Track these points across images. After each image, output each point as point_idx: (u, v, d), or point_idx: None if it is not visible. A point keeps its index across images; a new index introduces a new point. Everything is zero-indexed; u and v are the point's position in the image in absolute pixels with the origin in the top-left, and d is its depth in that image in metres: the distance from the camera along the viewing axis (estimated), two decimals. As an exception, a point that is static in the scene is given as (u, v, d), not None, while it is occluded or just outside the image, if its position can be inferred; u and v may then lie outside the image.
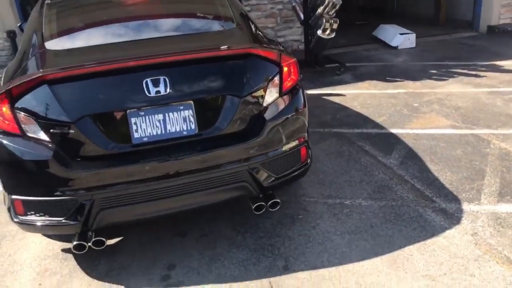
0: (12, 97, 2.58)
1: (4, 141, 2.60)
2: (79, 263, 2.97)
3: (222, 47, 2.86)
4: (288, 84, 2.94)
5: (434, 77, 6.35)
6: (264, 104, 2.84)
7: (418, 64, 7.08)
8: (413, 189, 3.52)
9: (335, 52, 7.77)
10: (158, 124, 2.64)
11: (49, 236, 3.24)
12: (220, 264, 2.87)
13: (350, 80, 6.51)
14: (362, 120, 4.99)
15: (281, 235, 3.10)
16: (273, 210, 2.95)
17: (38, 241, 3.22)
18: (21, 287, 2.83)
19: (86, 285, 2.79)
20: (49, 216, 2.63)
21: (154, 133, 2.64)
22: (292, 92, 2.99)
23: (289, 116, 2.90)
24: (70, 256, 3.04)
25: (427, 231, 3.02)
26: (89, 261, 2.96)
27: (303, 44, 7.49)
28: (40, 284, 2.84)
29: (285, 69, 2.91)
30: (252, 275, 2.75)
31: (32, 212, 2.65)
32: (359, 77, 6.60)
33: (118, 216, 2.71)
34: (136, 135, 2.61)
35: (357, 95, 5.85)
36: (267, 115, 2.82)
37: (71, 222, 2.61)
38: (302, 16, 6.86)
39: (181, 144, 2.70)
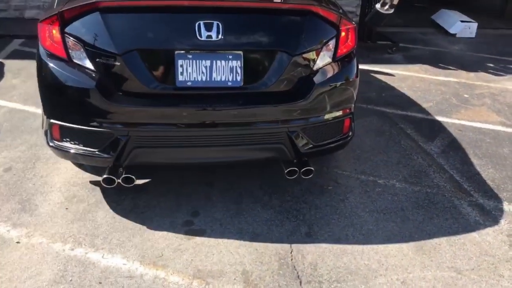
0: (64, 20, 2.56)
1: (50, 64, 2.60)
2: (105, 196, 3.01)
3: (284, 0, 2.73)
4: (343, 50, 2.81)
5: (490, 70, 6.03)
6: (315, 67, 2.73)
7: (475, 55, 6.73)
8: (451, 180, 3.39)
9: (389, 31, 7.45)
10: (204, 70, 2.57)
11: (80, 166, 3.28)
12: (243, 219, 2.85)
13: (400, 61, 6.26)
14: (408, 102, 4.81)
15: (308, 203, 3.04)
16: (305, 177, 2.88)
17: (69, 167, 3.28)
18: (49, 208, 2.89)
19: (110, 217, 2.83)
20: (84, 146, 2.64)
21: (199, 79, 2.58)
22: (346, 59, 2.86)
23: (339, 84, 2.78)
24: (97, 188, 3.08)
25: (460, 223, 2.91)
26: (115, 195, 3.00)
27: (357, 17, 7.21)
28: (66, 208, 2.89)
29: (343, 33, 2.78)
30: (274, 236, 2.72)
31: (68, 139, 2.67)
32: (411, 59, 6.33)
33: (151, 156, 2.70)
34: (180, 78, 2.56)
35: (406, 77, 5.62)
36: (316, 79, 2.71)
37: (104, 155, 2.62)
38: (362, -14, 6.58)
39: (224, 94, 2.64)
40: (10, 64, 5.28)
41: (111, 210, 2.89)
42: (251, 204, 2.99)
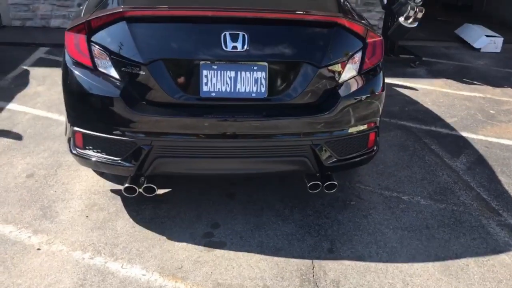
0: (91, 29, 2.57)
1: (76, 72, 2.61)
2: (126, 205, 2.99)
3: (309, 12, 2.71)
4: (369, 63, 2.76)
5: (517, 86, 5.90)
6: (340, 80, 2.69)
7: (502, 70, 6.60)
8: (478, 198, 3.29)
9: (412, 44, 7.37)
10: (228, 81, 2.55)
11: (101, 174, 3.28)
12: (264, 233, 2.80)
13: (424, 75, 6.17)
14: (432, 117, 4.72)
15: (330, 217, 2.98)
16: (328, 192, 2.83)
17: (90, 175, 3.28)
18: (70, 215, 2.89)
19: (130, 226, 2.81)
20: (106, 154, 2.64)
21: (223, 90, 2.56)
22: (372, 72, 2.81)
23: (364, 97, 2.73)
24: (118, 196, 3.07)
25: (488, 244, 2.81)
26: (136, 205, 2.98)
27: (380, 30, 7.17)
28: (87, 216, 2.89)
29: (369, 46, 2.73)
30: (296, 251, 2.67)
31: (90, 147, 2.67)
32: (434, 74, 6.24)
33: (173, 167, 2.68)
34: (205, 88, 2.55)
35: (429, 91, 5.53)
36: (342, 91, 2.66)
37: (126, 164, 2.61)
38: (385, 0, 6.53)
39: (248, 106, 2.61)
40: (35, 72, 5.37)
41: (131, 219, 2.88)
42: (272, 218, 2.95)
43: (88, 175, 3.29)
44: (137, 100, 2.55)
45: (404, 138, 4.18)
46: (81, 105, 2.66)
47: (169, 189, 3.17)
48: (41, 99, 4.62)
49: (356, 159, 2.85)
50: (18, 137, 3.85)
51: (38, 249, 2.60)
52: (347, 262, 2.60)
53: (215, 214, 2.95)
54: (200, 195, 3.12)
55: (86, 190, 3.15)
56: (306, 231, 2.84)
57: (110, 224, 2.83)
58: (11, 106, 4.44)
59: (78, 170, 3.35)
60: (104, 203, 3.02)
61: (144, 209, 2.96)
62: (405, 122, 4.54)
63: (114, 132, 2.56)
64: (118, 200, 3.04)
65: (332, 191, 2.83)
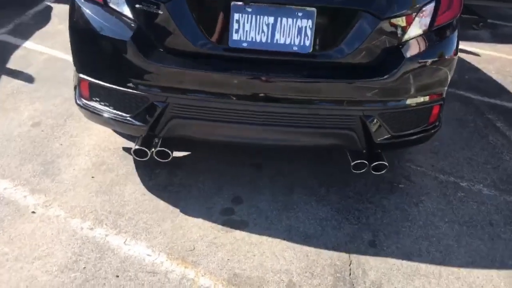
0: (101, -45, 2.09)
1: (83, 7, 2.17)
2: (138, 167, 2.61)
3: None
4: (442, 18, 2.20)
5: None
6: (405, 37, 2.14)
7: None
8: (554, 192, 2.74)
9: (475, 3, 6.52)
10: (265, 29, 2.05)
11: (114, 129, 2.89)
12: (293, 215, 2.37)
13: (488, 39, 5.42)
14: (497, 88, 4.07)
15: (374, 202, 2.52)
16: (376, 173, 2.34)
17: (102, 129, 2.88)
18: (74, 174, 2.53)
19: (140, 193, 2.43)
20: (114, 109, 2.22)
21: (258, 40, 2.06)
22: (445, 30, 2.25)
23: (433, 61, 2.19)
24: (130, 157, 2.67)
25: None
26: (149, 168, 2.59)
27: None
28: (93, 177, 2.52)
29: (445, -4, 2.16)
30: (330, 241, 2.24)
31: (97, 99, 2.25)
32: (500, 38, 5.47)
33: (191, 130, 2.25)
34: (235, 36, 2.05)
35: (494, 58, 4.82)
36: (406, 51, 2.12)
37: (137, 122, 2.19)
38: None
39: (286, 62, 2.12)
40: (59, 9, 4.92)
41: (142, 185, 2.49)
42: (304, 197, 2.50)
43: (99, 128, 2.89)
44: (152, 47, 2.10)
45: (464, 111, 3.59)
46: (87, 48, 2.23)
47: (188, 153, 2.75)
48: (61, 39, 4.19)
49: (413, 137, 2.35)
50: (30, 79, 3.48)
51: (33, 212, 2.26)
52: (391, 261, 2.16)
53: (238, 187, 2.53)
54: (222, 163, 2.69)
55: (95, 145, 2.77)
56: (344, 217, 2.39)
57: (118, 188, 2.45)
58: (28, 44, 4.06)
59: (89, 122, 2.93)
60: (114, 163, 2.64)
61: (158, 174, 2.57)
62: (464, 92, 3.92)
63: (124, 84, 2.13)
64: (130, 160, 2.65)
65: (381, 172, 2.35)
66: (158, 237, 2.17)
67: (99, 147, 2.77)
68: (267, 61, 2.11)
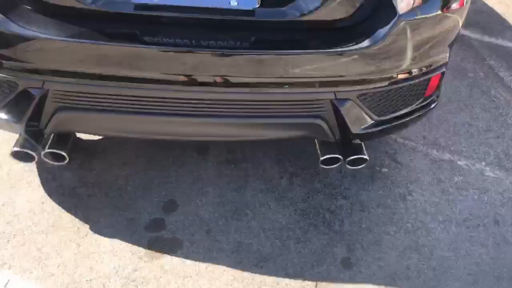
0: None
1: None
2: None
3: None
4: None
5: None
6: (397, -22, 1.43)
7: None
8: None
9: None
10: (187, -29, 1.31)
11: None
12: (245, 224, 1.80)
13: (485, -44, 4.62)
14: (499, 23, 3.39)
15: (349, 197, 1.95)
16: (352, 168, 1.73)
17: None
18: None
19: (39, 201, 1.81)
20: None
21: (177, -11, 1.33)
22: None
23: (435, 14, 1.50)
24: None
25: None
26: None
27: None
28: (-25, 178, 1.86)
29: None
30: (291, 262, 1.69)
31: None
32: (500, -46, 4.67)
33: (91, 125, 1.57)
34: (141, -16, 1.32)
35: (493, -19, 4.08)
36: (399, 2, 1.43)
37: (6, 117, 1.49)
38: None
39: (224, 23, 1.40)
40: None
41: (41, 188, 1.86)
42: (260, 195, 1.92)
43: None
44: (13, 3, 1.35)
45: (460, 56, 2.94)
46: None
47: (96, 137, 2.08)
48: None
49: (404, 119, 1.71)
50: None
51: None
52: (371, 290, 1.64)
53: (173, 183, 1.92)
54: (152, 146, 2.05)
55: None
56: (311, 223, 1.83)
57: (7, 195, 1.82)
58: None
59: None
60: (5, 154, 1.96)
61: (65, 170, 1.92)
62: (462, 29, 3.24)
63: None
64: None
65: (359, 167, 1.75)
66: (55, 274, 1.57)
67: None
68: (192, 23, 1.39)
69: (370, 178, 2.04)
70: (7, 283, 1.53)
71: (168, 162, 1.99)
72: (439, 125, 2.37)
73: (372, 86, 1.51)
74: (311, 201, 1.91)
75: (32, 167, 1.92)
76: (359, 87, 1.49)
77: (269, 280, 1.63)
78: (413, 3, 1.44)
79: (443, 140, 2.28)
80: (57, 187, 1.86)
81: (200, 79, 1.41)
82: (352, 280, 1.66)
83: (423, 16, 1.48)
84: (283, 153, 2.10)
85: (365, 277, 1.68)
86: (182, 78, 1.40)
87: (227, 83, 1.44)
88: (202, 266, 1.64)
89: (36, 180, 1.88)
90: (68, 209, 1.78)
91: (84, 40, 1.36)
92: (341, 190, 1.97)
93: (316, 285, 1.63)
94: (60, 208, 1.78)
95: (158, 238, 1.72)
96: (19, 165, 1.92)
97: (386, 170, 2.10)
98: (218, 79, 1.42)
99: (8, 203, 1.78)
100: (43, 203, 1.80)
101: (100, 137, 2.05)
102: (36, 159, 1.60)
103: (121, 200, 1.83)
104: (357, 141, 1.69)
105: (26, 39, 1.35)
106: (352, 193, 1.96)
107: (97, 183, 1.89)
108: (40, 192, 1.84)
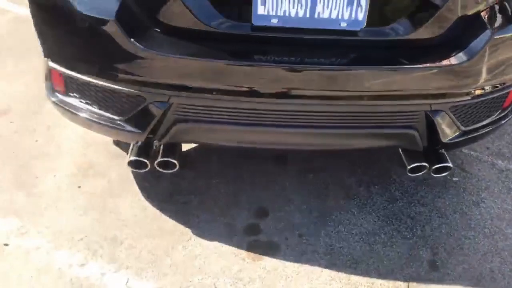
0: None
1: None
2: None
3: None
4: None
5: None
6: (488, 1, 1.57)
7: None
8: None
9: None
10: (301, -2, 1.47)
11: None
12: (333, 229, 1.92)
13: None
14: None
15: (427, 204, 2.06)
16: (436, 176, 1.85)
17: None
18: (55, 182, 2.02)
19: (140, 207, 1.95)
20: (100, 109, 1.67)
21: (292, 15, 1.48)
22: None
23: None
24: (122, 152, 2.17)
25: None
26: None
27: None
28: (79, 187, 2.02)
29: None
30: (382, 264, 1.80)
31: (76, 95, 1.69)
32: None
33: (206, 136, 1.72)
34: (260, 10, 1.47)
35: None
36: (491, 22, 1.57)
37: (130, 128, 1.65)
38: None
39: (332, 42, 1.55)
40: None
41: (140, 195, 2.01)
42: (342, 201, 2.04)
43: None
44: (145, 27, 1.51)
45: None
46: (55, 27, 1.62)
47: (194, 145, 2.23)
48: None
49: (484, 130, 1.84)
50: (-10, 49, 2.87)
51: (5, 244, 1.78)
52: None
53: (260, 191, 2.05)
54: (235, 156, 2.19)
55: (78, 139, 2.25)
56: (395, 228, 1.94)
57: (111, 202, 1.97)
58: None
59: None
60: (103, 164, 2.13)
61: (160, 177, 2.06)
62: None
63: (108, 77, 1.57)
64: (122, 158, 2.13)
65: (443, 174, 1.87)
66: (168, 274, 1.71)
67: (83, 140, 2.24)
68: (306, 42, 1.54)
69: (443, 187, 2.15)
70: (127, 281, 1.66)
71: (253, 172, 2.13)
72: (500, 136, 2.48)
73: (464, 98, 1.64)
74: (392, 208, 2.03)
75: (129, 175, 2.07)
76: (452, 99, 1.62)
77: (364, 280, 1.74)
78: (503, 22, 1.58)
79: (507, 151, 2.39)
80: (156, 194, 2.00)
81: (309, 93, 1.56)
82: (441, 282, 1.76)
83: (510, 34, 1.61)
84: (354, 162, 2.22)
85: (453, 279, 1.78)
86: (292, 92, 1.55)
87: (332, 97, 1.58)
88: (300, 267, 1.76)
89: (135, 188, 2.03)
90: (169, 215, 1.92)
91: (206, 59, 1.51)
92: (418, 198, 2.09)
93: (408, 286, 1.74)
94: (161, 213, 1.92)
95: (256, 241, 1.84)
96: (115, 171, 2.08)
97: (457, 179, 2.21)
98: (327, 93, 1.56)
99: (114, 209, 1.93)
100: (145, 209, 1.94)
101: (188, 149, 2.19)
102: (149, 167, 1.75)
103: (216, 206, 1.97)
104: (442, 150, 1.81)
105: (156, 58, 1.50)
106: (429, 201, 2.08)
107: (191, 189, 2.03)
108: (140, 199, 1.98)
